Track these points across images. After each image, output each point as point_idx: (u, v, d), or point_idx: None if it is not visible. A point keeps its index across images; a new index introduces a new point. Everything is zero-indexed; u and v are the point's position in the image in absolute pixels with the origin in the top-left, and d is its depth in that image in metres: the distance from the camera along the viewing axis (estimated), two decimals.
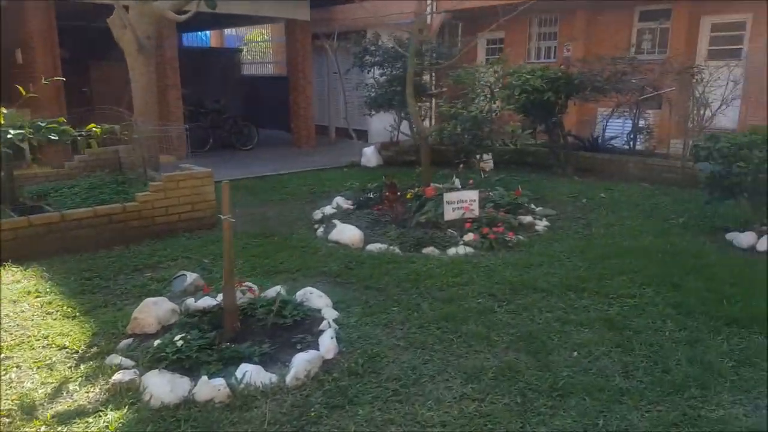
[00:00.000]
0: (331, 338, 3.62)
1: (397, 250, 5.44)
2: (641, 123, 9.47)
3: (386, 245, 5.51)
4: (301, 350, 3.49)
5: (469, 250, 5.45)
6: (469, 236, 5.64)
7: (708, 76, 8.68)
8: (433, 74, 10.44)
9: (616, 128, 10.34)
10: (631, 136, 9.40)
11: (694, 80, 8.48)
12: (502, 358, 3.56)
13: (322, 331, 3.72)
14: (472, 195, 5.85)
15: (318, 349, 3.52)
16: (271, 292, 4.20)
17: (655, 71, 8.91)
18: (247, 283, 4.06)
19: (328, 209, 6.71)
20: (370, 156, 10.13)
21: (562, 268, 5.00)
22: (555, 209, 7.04)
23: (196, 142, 12.50)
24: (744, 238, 5.65)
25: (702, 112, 8.89)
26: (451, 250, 5.43)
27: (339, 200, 6.94)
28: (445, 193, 5.78)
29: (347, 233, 5.64)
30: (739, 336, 3.83)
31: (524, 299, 4.39)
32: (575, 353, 3.62)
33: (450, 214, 5.78)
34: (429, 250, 5.43)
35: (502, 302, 4.35)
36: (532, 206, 7.00)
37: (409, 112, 6.15)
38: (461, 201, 5.82)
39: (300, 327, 3.83)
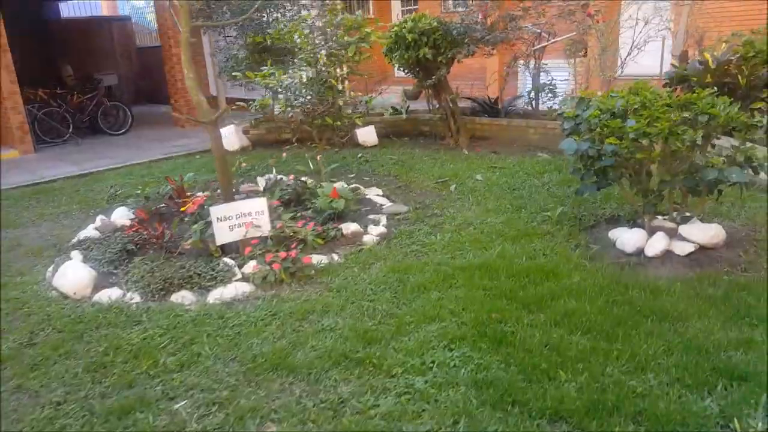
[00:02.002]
0: None
1: (136, 299, 3.77)
2: (545, 78, 7.77)
3: (123, 292, 3.83)
4: None
5: (245, 289, 3.81)
6: (251, 266, 3.99)
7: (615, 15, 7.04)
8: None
9: (528, 86, 8.67)
10: (531, 95, 7.72)
11: (595, 22, 6.80)
12: None
13: None
14: (258, 205, 4.15)
15: None
16: None
17: (549, 13, 7.16)
18: None
19: (90, 229, 4.92)
20: (230, 137, 8.27)
21: (353, 317, 3.39)
22: (414, 201, 5.43)
23: (52, 130, 10.54)
24: (629, 238, 4.11)
25: (611, 59, 7.29)
26: (216, 293, 3.77)
27: (120, 213, 5.16)
28: (211, 207, 4.06)
29: (70, 276, 3.91)
30: None
31: (251, 397, 2.73)
32: None
33: (224, 235, 4.09)
34: (180, 295, 3.76)
35: (210, 408, 2.68)
36: (381, 203, 5.40)
37: (186, 84, 4.49)
38: (242, 215, 4.13)
39: None
